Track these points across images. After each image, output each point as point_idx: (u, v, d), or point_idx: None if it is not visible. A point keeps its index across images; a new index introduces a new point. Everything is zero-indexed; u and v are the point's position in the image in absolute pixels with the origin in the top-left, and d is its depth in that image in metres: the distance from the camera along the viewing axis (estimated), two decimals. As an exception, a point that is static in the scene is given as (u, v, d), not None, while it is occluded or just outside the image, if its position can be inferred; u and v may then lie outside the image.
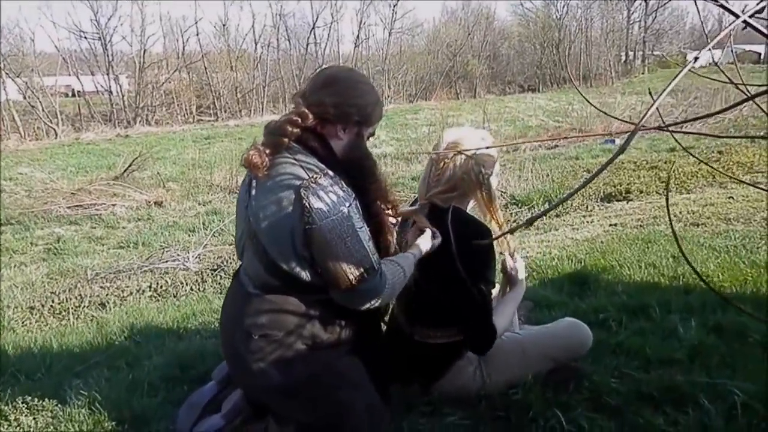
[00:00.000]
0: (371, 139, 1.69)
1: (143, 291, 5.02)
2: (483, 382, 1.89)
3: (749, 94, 0.88)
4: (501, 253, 2.00)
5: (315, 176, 1.49)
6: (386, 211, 1.71)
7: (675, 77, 0.82)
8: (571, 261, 3.58)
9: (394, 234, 1.79)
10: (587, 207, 6.35)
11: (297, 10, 55.40)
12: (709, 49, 0.88)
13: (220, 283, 5.03)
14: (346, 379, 1.61)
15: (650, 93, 1.09)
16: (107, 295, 5.00)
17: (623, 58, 35.92)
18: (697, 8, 1.06)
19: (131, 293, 4.99)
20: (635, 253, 3.55)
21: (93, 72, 26.54)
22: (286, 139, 1.54)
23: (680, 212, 4.85)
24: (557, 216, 6.00)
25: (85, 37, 26.31)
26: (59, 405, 2.15)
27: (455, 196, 1.83)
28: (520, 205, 7.00)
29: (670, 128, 0.94)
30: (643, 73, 33.81)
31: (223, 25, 29.45)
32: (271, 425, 1.75)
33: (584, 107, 14.50)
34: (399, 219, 1.86)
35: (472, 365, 1.89)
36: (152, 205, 9.64)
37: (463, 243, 1.71)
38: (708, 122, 10.28)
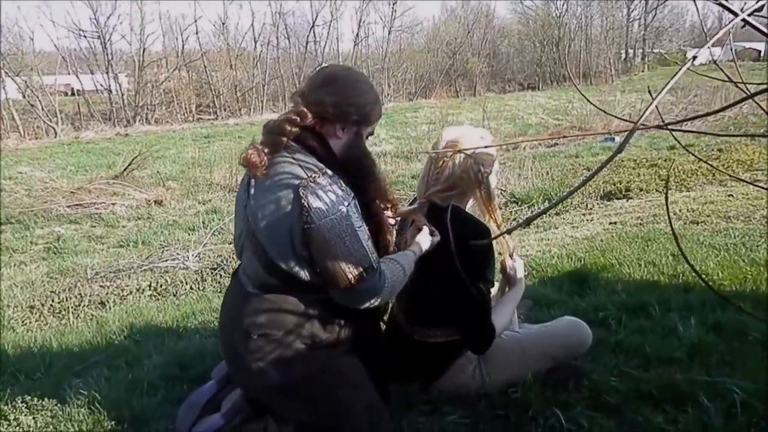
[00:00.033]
0: (370, 138, 1.69)
1: (143, 290, 5.02)
2: (482, 380, 1.89)
3: (749, 93, 0.88)
4: (500, 253, 1.99)
5: (314, 175, 1.48)
6: (385, 211, 1.70)
7: (674, 76, 0.81)
8: (571, 259, 3.58)
9: (394, 233, 1.79)
10: (587, 205, 6.35)
11: (296, 8, 55.35)
12: (708, 48, 0.88)
13: (219, 282, 5.03)
14: (346, 378, 1.61)
15: (649, 91, 1.08)
16: (107, 294, 5.01)
17: (623, 55, 35.92)
18: (696, 7, 1.06)
19: (131, 292, 4.99)
20: (635, 251, 3.55)
21: (92, 71, 26.53)
22: (284, 138, 1.54)
23: (680, 210, 4.85)
24: (557, 214, 6.00)
25: (85, 36, 26.34)
26: (59, 404, 2.16)
27: (454, 194, 1.82)
28: (519, 203, 7.00)
29: (669, 127, 0.94)
30: (643, 71, 33.82)
31: (223, 24, 29.46)
32: (271, 425, 1.75)
33: (584, 105, 14.48)
34: (398, 219, 1.86)
35: (471, 364, 1.89)
36: (152, 204, 9.64)
37: (462, 242, 1.71)
38: (708, 120, 10.27)
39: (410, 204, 1.97)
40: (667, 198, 0.82)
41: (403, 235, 1.87)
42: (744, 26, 0.83)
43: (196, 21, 32.83)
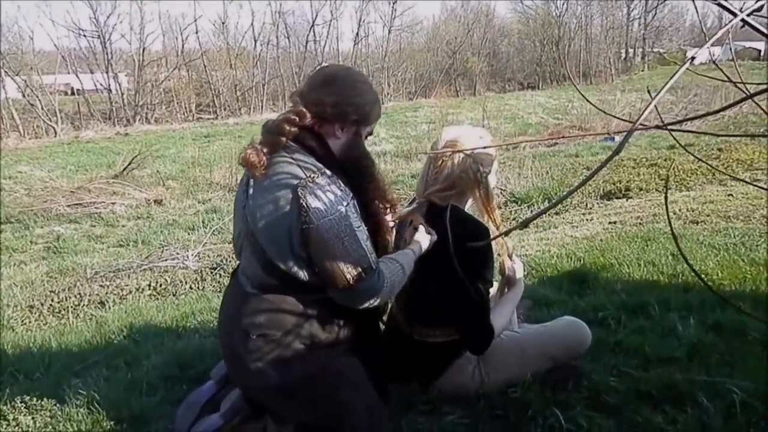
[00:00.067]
0: (369, 137, 1.69)
1: (143, 290, 5.02)
2: (482, 380, 1.89)
3: (748, 93, 0.88)
4: (499, 254, 1.99)
5: (312, 175, 1.48)
6: (384, 211, 1.70)
7: (672, 76, 0.81)
8: (571, 259, 3.58)
9: (393, 233, 1.79)
10: (587, 205, 6.35)
11: (296, 7, 55.30)
12: (708, 48, 0.88)
13: (219, 282, 5.03)
14: (345, 378, 1.61)
15: (648, 91, 1.08)
16: (107, 293, 5.01)
17: (623, 55, 35.92)
18: (695, 7, 1.06)
19: (130, 292, 4.99)
20: (634, 251, 3.54)
21: (92, 70, 26.53)
22: (283, 138, 1.53)
23: (680, 210, 4.85)
24: (557, 214, 6.00)
25: (84, 35, 26.35)
26: (58, 404, 2.15)
27: (453, 194, 1.82)
28: (519, 202, 7.00)
29: (669, 127, 0.93)
30: (643, 71, 33.82)
31: (223, 23, 29.47)
32: (270, 425, 1.75)
33: (584, 104, 14.48)
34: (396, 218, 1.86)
35: (471, 364, 1.89)
36: (152, 204, 9.64)
37: (461, 242, 1.71)
38: (708, 120, 10.27)
39: (410, 204, 1.97)
40: (666, 198, 0.81)
41: (402, 235, 1.87)
42: (743, 26, 0.83)
43: (195, 20, 32.93)
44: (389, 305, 1.97)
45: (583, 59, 33.71)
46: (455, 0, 38.87)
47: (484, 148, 1.81)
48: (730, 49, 1.24)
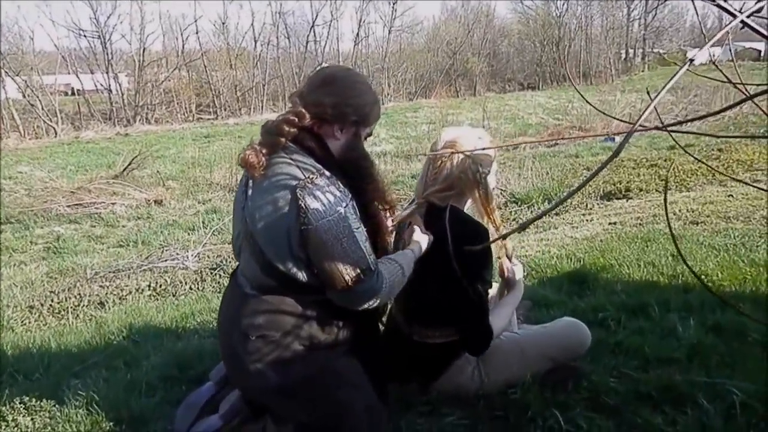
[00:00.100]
0: (370, 138, 1.69)
1: (142, 290, 5.02)
2: (481, 381, 1.88)
3: (748, 94, 0.88)
4: (499, 257, 1.99)
5: (311, 176, 1.48)
6: (384, 212, 1.70)
7: (672, 77, 0.81)
8: (571, 260, 3.58)
9: (392, 235, 1.79)
10: (587, 205, 6.35)
11: (296, 8, 55.30)
12: (708, 49, 0.87)
13: (219, 282, 5.03)
14: (345, 379, 1.61)
15: (648, 92, 1.08)
16: (106, 294, 5.01)
17: (623, 55, 35.93)
18: (695, 8, 1.05)
19: (130, 292, 4.99)
20: (634, 251, 3.54)
21: (92, 70, 26.52)
22: (282, 139, 1.53)
23: (680, 210, 4.85)
24: (556, 214, 6.00)
25: (85, 36, 26.34)
26: (57, 405, 2.15)
27: (452, 194, 1.82)
28: (519, 203, 7.00)
29: (668, 128, 0.93)
30: (643, 71, 33.83)
31: (223, 24, 29.46)
32: (269, 425, 1.75)
33: (584, 105, 14.46)
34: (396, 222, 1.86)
35: (470, 365, 1.89)
36: (152, 204, 9.64)
37: (461, 243, 1.70)
38: (708, 120, 10.26)
39: (409, 204, 1.97)
40: (665, 199, 0.81)
41: (401, 236, 1.86)
42: (743, 28, 0.83)
43: (196, 21, 32.86)
44: (389, 306, 1.97)
45: (583, 60, 33.72)
46: (455, 0, 38.89)
47: (484, 149, 1.80)
48: (730, 50, 1.24)
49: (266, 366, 1.56)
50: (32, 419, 2.10)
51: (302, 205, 1.44)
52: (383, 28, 34.30)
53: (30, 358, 2.93)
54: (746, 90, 0.95)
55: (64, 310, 4.71)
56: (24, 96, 23.27)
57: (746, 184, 4.95)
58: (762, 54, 31.53)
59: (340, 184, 1.52)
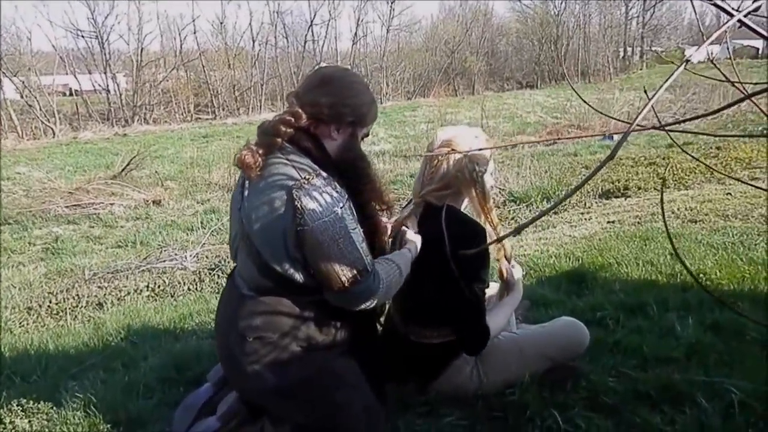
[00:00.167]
0: (368, 137, 1.68)
1: (141, 291, 5.01)
2: (480, 381, 1.88)
3: (746, 93, 0.87)
4: (497, 258, 1.98)
5: (308, 177, 1.47)
6: (381, 212, 1.70)
7: (669, 77, 0.80)
8: (569, 259, 3.57)
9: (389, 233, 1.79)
10: (585, 204, 6.35)
11: (294, 7, 55.33)
12: (705, 47, 0.87)
13: (217, 283, 5.01)
14: (343, 380, 1.60)
15: (645, 91, 1.07)
16: (105, 295, 4.99)
17: (621, 54, 35.96)
18: (693, 7, 1.05)
19: (129, 293, 4.98)
20: (633, 250, 3.54)
21: (90, 71, 26.46)
22: (279, 139, 1.53)
23: (678, 209, 4.84)
24: (555, 213, 5.99)
25: (82, 36, 26.29)
26: (54, 407, 2.14)
27: (449, 194, 1.82)
28: (518, 202, 6.99)
29: (666, 128, 0.93)
30: (641, 69, 33.85)
31: (221, 23, 29.41)
32: (267, 427, 1.75)
33: (583, 103, 14.45)
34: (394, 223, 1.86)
35: (469, 365, 1.89)
36: (150, 204, 9.62)
37: (458, 242, 1.70)
38: (706, 118, 10.27)
39: (407, 205, 1.96)
40: (662, 199, 0.81)
41: (399, 238, 1.86)
42: (740, 27, 0.82)
43: (194, 20, 33.04)
44: (387, 306, 1.96)
45: (582, 58, 33.76)
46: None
47: (481, 149, 1.80)
48: (728, 48, 1.24)
49: (264, 367, 1.55)
50: (29, 421, 2.10)
51: (299, 205, 1.43)
52: (381, 28, 34.36)
53: (27, 360, 2.92)
54: (744, 89, 0.95)
55: (62, 311, 4.70)
56: (22, 96, 23.23)
57: (744, 183, 4.95)
58: (760, 52, 31.56)
59: (337, 185, 1.51)
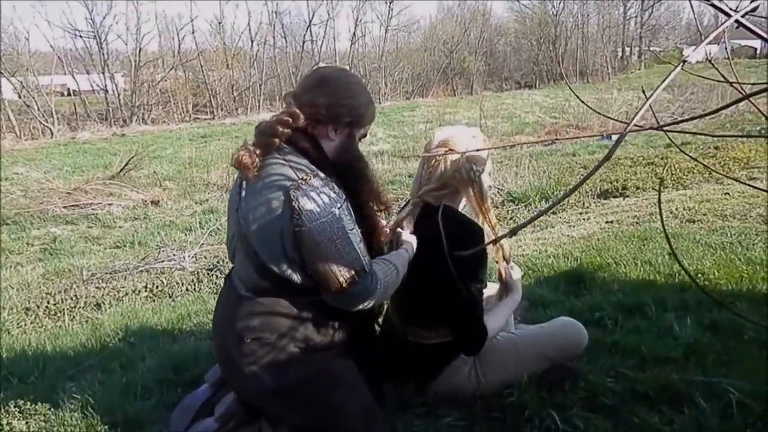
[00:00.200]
0: (366, 137, 1.68)
1: (139, 291, 5.00)
2: (478, 382, 1.88)
3: (744, 93, 0.87)
4: (496, 260, 1.98)
5: (305, 177, 1.47)
6: (379, 213, 1.69)
7: (667, 77, 0.80)
8: (567, 259, 3.57)
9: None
10: (584, 204, 6.35)
11: (293, 7, 55.38)
12: (703, 47, 0.87)
13: (216, 283, 5.01)
14: (341, 380, 1.60)
15: (643, 91, 1.07)
16: (103, 295, 4.98)
17: (620, 54, 36.00)
18: (692, 7, 1.05)
19: (127, 294, 4.97)
20: (631, 250, 3.54)
21: (88, 71, 26.43)
22: (276, 140, 1.52)
23: (676, 209, 4.85)
24: (553, 213, 6.00)
25: (80, 36, 26.25)
26: (52, 409, 2.14)
27: (446, 193, 1.82)
28: (516, 202, 6.99)
29: (663, 128, 0.92)
30: (639, 69, 33.91)
31: (219, 23, 29.41)
32: (265, 427, 1.74)
33: (581, 103, 14.46)
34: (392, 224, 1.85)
35: (467, 365, 1.88)
36: (149, 204, 9.61)
37: (456, 243, 1.70)
38: (704, 118, 10.29)
39: (405, 205, 1.96)
40: (660, 200, 0.81)
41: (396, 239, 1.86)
42: (738, 27, 0.82)
43: (192, 20, 32.94)
44: (385, 306, 1.96)
45: (580, 58, 33.81)
46: (452, -1, 38.93)
47: (478, 150, 1.80)
48: (726, 48, 1.24)
49: (261, 368, 1.55)
50: (27, 423, 2.09)
51: (296, 206, 1.43)
52: (380, 28, 34.32)
53: (25, 361, 2.92)
54: (742, 89, 0.94)
55: (60, 311, 4.69)
56: (20, 97, 23.19)
57: (742, 183, 4.95)
58: (758, 52, 31.60)
59: (335, 186, 1.51)
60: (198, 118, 26.09)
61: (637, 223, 4.72)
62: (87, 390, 2.24)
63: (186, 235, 7.41)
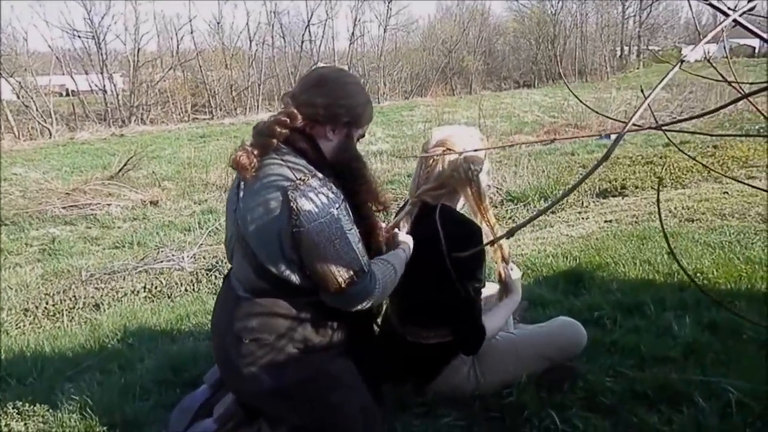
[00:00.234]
0: (365, 137, 1.68)
1: (138, 292, 4.99)
2: (477, 382, 1.88)
3: (743, 92, 0.87)
4: (495, 261, 1.98)
5: (303, 178, 1.46)
6: (377, 213, 1.69)
7: (665, 76, 0.80)
8: (566, 258, 3.57)
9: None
10: (582, 203, 6.35)
11: (291, 7, 55.41)
12: (702, 46, 0.87)
13: (214, 284, 5.00)
14: (339, 381, 1.60)
15: (642, 90, 1.07)
16: (102, 296, 4.98)
17: (618, 53, 36.02)
18: (690, 6, 1.05)
19: (126, 294, 4.97)
20: (630, 249, 3.54)
21: (87, 71, 26.41)
22: (274, 140, 1.52)
23: (675, 208, 4.85)
24: (552, 213, 5.99)
25: (79, 36, 26.23)
26: (50, 410, 2.14)
27: (444, 193, 1.82)
28: (515, 201, 6.99)
29: (662, 127, 0.92)
30: (638, 68, 33.93)
31: (218, 23, 29.42)
32: (264, 428, 1.74)
33: (580, 102, 14.43)
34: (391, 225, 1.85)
35: (466, 365, 1.88)
36: (147, 205, 9.60)
37: (455, 242, 1.69)
38: (703, 117, 10.29)
39: (403, 206, 1.96)
40: (658, 199, 0.80)
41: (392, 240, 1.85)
42: (735, 26, 0.82)
43: (190, 20, 32.88)
44: (384, 307, 1.96)
45: (579, 57, 33.83)
46: (451, -1, 38.93)
47: (476, 150, 1.79)
48: (724, 48, 1.23)
49: (260, 369, 1.55)
50: (25, 424, 2.09)
51: (294, 207, 1.43)
52: (378, 27, 34.36)
53: (23, 362, 2.91)
54: (741, 88, 0.94)
55: (59, 312, 4.68)
56: (18, 97, 23.16)
57: (741, 182, 4.96)
58: (756, 51, 31.63)
59: (333, 186, 1.51)
60: (197, 118, 26.08)
61: (635, 222, 4.73)
62: (86, 391, 2.23)
63: (185, 235, 7.40)
